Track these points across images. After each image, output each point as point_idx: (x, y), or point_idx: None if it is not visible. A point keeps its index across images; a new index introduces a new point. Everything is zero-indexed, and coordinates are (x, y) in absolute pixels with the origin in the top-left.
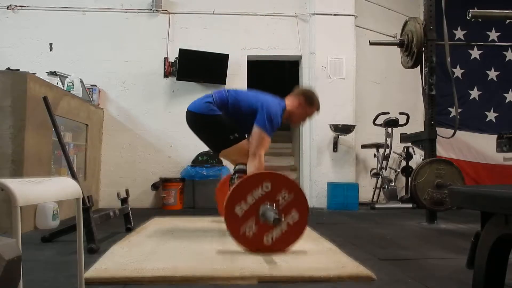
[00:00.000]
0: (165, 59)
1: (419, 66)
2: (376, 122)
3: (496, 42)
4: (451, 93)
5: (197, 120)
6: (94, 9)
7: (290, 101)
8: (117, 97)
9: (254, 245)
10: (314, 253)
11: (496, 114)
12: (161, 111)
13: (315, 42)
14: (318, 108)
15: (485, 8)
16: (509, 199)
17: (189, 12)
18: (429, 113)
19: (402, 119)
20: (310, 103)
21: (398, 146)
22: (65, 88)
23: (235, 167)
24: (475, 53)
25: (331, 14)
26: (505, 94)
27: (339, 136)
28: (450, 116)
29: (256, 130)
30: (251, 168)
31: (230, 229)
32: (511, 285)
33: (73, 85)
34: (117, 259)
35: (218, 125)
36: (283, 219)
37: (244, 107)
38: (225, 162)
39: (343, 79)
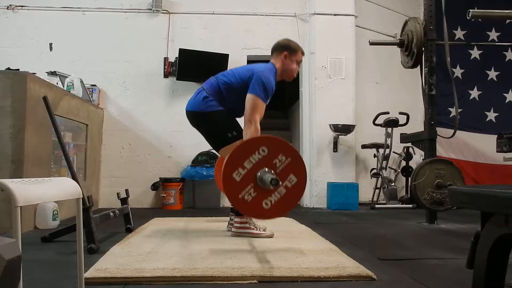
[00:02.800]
0: (165, 59)
1: (419, 66)
2: (376, 122)
3: (496, 42)
4: (451, 93)
5: (196, 118)
6: (94, 9)
7: (276, 61)
8: (117, 97)
9: (253, 211)
10: (314, 253)
11: (496, 114)
12: (161, 111)
13: (315, 42)
14: (302, 52)
15: (485, 8)
16: (509, 199)
17: (189, 12)
18: (429, 113)
19: (402, 119)
20: (293, 50)
21: (398, 146)
22: (65, 88)
23: None
24: (475, 53)
25: (331, 14)
26: (505, 94)
27: (339, 136)
28: (450, 116)
29: (249, 96)
30: (247, 134)
31: (229, 196)
32: (511, 285)
33: (73, 85)
34: (117, 259)
35: (216, 123)
36: (280, 182)
37: (237, 84)
38: None
39: (343, 79)
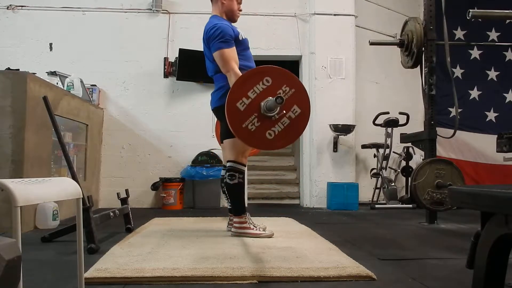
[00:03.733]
0: (165, 59)
1: (419, 66)
2: (376, 122)
3: (496, 42)
4: (451, 93)
5: (217, 113)
6: (94, 9)
7: (215, 7)
8: (117, 97)
9: (256, 140)
10: (314, 253)
11: (496, 114)
12: (161, 111)
13: (315, 42)
14: None
15: (485, 8)
16: (509, 199)
17: (189, 12)
18: (429, 113)
19: (402, 119)
20: None
21: (398, 146)
22: (65, 88)
23: (225, 165)
24: (475, 53)
25: (331, 14)
26: (505, 94)
27: (339, 136)
28: (450, 116)
29: (214, 56)
30: (231, 82)
31: (232, 125)
32: (511, 285)
33: (73, 85)
34: (117, 259)
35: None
36: (284, 111)
37: (213, 60)
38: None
39: (343, 79)
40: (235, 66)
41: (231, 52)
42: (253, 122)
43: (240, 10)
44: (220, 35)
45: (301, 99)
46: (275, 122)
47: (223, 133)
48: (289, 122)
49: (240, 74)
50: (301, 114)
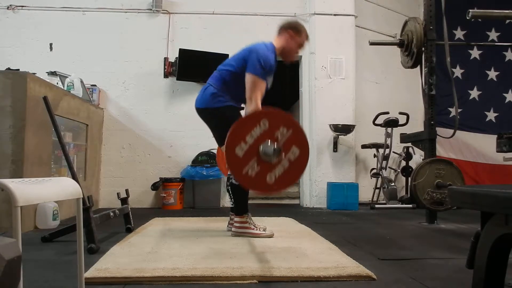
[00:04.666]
0: (165, 59)
1: (419, 66)
2: (376, 122)
3: (496, 42)
4: (451, 93)
5: (205, 114)
6: (94, 9)
7: (278, 39)
8: (117, 97)
9: (257, 185)
10: (314, 253)
11: (496, 114)
12: (161, 111)
13: (315, 42)
14: (307, 36)
15: (485, 8)
16: (509, 199)
17: (189, 12)
18: (429, 113)
19: (402, 119)
20: (298, 32)
21: (398, 146)
22: (65, 88)
23: None
24: (475, 53)
25: (331, 14)
26: (505, 94)
27: (339, 136)
28: (450, 116)
29: (247, 77)
30: (248, 109)
31: (233, 171)
32: (511, 285)
33: (73, 85)
34: (117, 259)
35: (224, 118)
36: (283, 154)
37: (237, 68)
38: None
39: (343, 79)
40: (259, 98)
41: (261, 84)
42: (252, 166)
43: (297, 54)
44: (263, 63)
45: (299, 139)
46: (275, 165)
47: (218, 138)
48: (289, 164)
49: (260, 107)
50: (300, 155)
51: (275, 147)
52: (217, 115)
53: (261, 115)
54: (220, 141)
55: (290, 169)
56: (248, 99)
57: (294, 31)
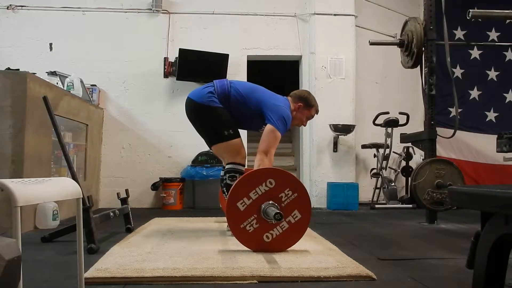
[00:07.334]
0: (165, 59)
1: (419, 66)
2: (376, 122)
3: (496, 42)
4: (451, 93)
5: (195, 108)
6: (94, 9)
7: (291, 104)
8: (117, 97)
9: (253, 242)
10: (314, 253)
11: (496, 114)
12: (161, 111)
13: (315, 42)
14: (317, 110)
15: (485, 8)
16: (509, 199)
17: (189, 12)
18: (429, 113)
19: (402, 119)
20: (309, 105)
21: (398, 146)
22: (65, 88)
23: (225, 167)
24: (475, 53)
25: (331, 14)
26: (505, 94)
27: (339, 136)
28: (450, 116)
29: (269, 128)
30: (259, 165)
31: (231, 224)
32: (511, 285)
33: (73, 85)
34: (117, 259)
35: (214, 117)
36: (283, 219)
37: (251, 104)
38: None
39: (343, 79)
40: (273, 153)
41: (277, 141)
42: (251, 223)
43: (304, 125)
44: (288, 124)
45: (303, 204)
46: (274, 225)
47: (207, 136)
48: (288, 227)
49: (270, 164)
50: (301, 220)
51: (277, 211)
52: (209, 112)
53: (270, 173)
54: (209, 140)
55: (289, 232)
56: (262, 152)
57: (304, 105)
